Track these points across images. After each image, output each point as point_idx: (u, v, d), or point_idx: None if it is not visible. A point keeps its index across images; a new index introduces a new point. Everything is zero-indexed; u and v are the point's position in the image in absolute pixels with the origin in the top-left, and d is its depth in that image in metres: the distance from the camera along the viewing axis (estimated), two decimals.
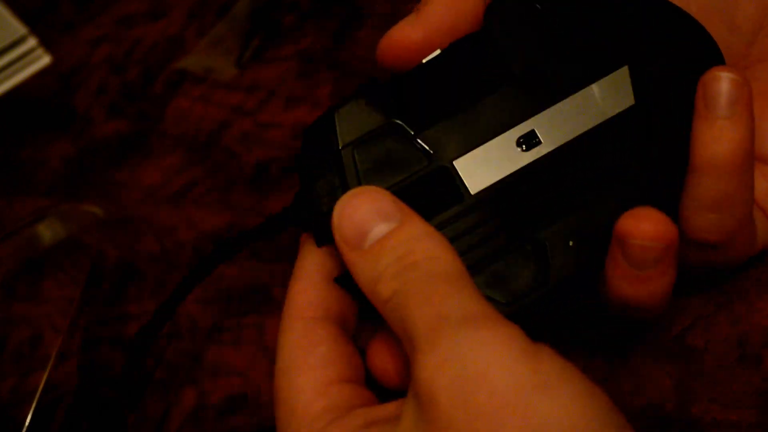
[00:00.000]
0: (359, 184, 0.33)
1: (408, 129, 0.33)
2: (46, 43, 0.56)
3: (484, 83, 0.33)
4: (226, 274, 0.46)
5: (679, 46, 0.34)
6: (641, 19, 0.34)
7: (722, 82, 0.32)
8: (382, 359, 0.33)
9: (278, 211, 0.34)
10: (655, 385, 0.36)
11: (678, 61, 0.33)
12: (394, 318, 0.30)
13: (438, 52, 0.34)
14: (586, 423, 0.26)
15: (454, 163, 0.33)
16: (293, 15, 0.55)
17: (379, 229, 0.31)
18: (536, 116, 0.33)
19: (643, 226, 0.30)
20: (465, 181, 0.33)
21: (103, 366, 0.44)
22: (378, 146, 0.33)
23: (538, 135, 0.33)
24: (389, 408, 0.31)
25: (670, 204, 0.33)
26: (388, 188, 0.32)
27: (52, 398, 0.43)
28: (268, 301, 0.44)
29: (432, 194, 0.33)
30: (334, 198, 0.32)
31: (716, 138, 0.31)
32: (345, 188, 0.32)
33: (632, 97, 0.33)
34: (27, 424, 0.42)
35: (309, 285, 0.34)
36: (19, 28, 0.55)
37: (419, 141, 0.33)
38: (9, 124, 0.55)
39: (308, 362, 0.32)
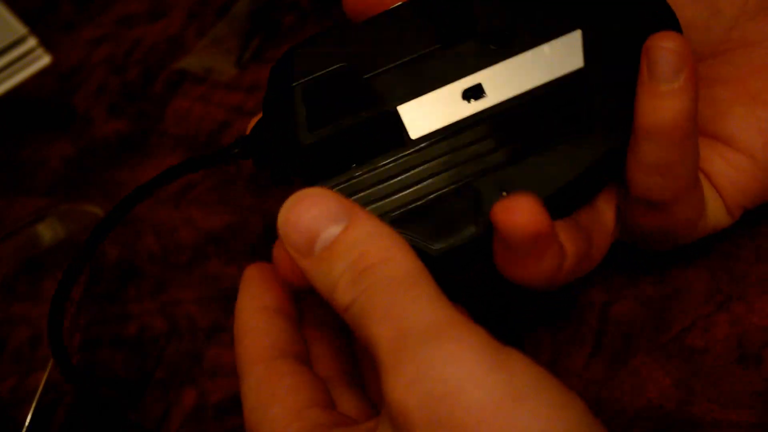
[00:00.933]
0: (305, 122, 0.34)
1: (359, 73, 0.34)
2: (46, 43, 0.56)
3: (439, 35, 0.34)
4: (226, 274, 0.46)
5: (635, 12, 0.34)
6: None
7: (666, 50, 0.31)
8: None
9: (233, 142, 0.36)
10: (655, 385, 0.36)
11: (632, 27, 0.34)
12: (356, 328, 0.29)
13: (401, 2, 0.35)
14: (575, 429, 0.26)
15: (398, 108, 0.34)
16: (293, 15, 0.55)
17: (329, 233, 0.30)
18: (484, 70, 0.34)
19: (514, 216, 0.30)
20: (407, 126, 0.33)
21: (103, 366, 0.44)
22: (328, 87, 0.34)
23: (484, 88, 0.34)
24: (368, 425, 0.30)
25: (607, 163, 0.33)
26: (332, 128, 0.34)
27: (52, 398, 0.43)
28: None
29: (374, 137, 0.34)
30: (285, 135, 0.34)
31: (658, 107, 0.31)
32: (293, 126, 0.34)
33: (582, 59, 0.33)
34: (27, 424, 0.42)
35: (258, 329, 0.33)
36: (19, 28, 0.55)
37: (368, 85, 0.34)
38: (9, 124, 0.55)
39: (276, 394, 0.31)
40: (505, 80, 0.33)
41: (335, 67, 0.34)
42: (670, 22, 0.34)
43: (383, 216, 0.33)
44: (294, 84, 0.34)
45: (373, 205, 0.33)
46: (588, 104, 0.33)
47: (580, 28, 0.34)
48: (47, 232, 0.49)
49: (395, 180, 0.33)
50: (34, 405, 0.42)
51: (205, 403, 0.42)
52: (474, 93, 0.34)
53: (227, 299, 0.45)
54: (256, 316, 0.34)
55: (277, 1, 0.56)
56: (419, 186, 0.33)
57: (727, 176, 0.35)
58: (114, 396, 0.43)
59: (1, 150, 0.54)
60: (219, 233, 0.48)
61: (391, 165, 0.33)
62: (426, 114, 0.34)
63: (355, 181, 0.33)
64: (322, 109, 0.34)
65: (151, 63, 0.56)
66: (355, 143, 0.33)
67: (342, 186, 0.33)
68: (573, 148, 0.33)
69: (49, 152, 0.53)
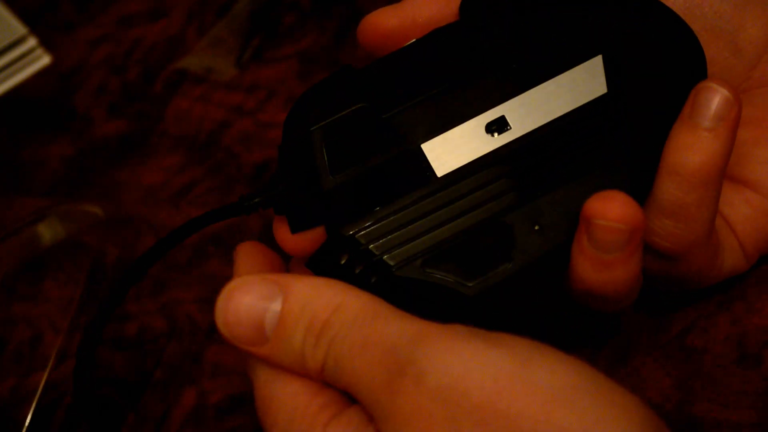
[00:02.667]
0: (327, 165, 0.32)
1: (378, 112, 0.33)
2: (46, 43, 0.56)
3: (457, 70, 0.33)
4: (226, 274, 0.46)
5: (657, 38, 0.34)
6: (619, 9, 0.34)
7: (715, 95, 0.32)
8: None
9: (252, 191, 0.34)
10: (655, 385, 0.36)
11: (654, 54, 0.33)
12: (339, 380, 0.29)
13: (413, 40, 0.34)
14: (588, 380, 0.26)
15: (422, 146, 0.33)
16: (293, 15, 0.55)
17: (271, 312, 0.30)
18: (507, 102, 0.33)
19: (610, 206, 0.30)
20: (432, 164, 0.33)
21: (103, 366, 0.44)
22: (348, 129, 0.33)
23: (508, 121, 0.33)
24: None
25: (636, 198, 0.33)
26: (354, 171, 0.32)
27: (52, 398, 0.43)
28: None
29: (399, 177, 0.33)
30: (306, 181, 0.33)
31: (691, 146, 0.32)
32: (314, 171, 0.32)
33: (605, 85, 0.33)
34: (27, 424, 0.42)
35: None
36: (19, 28, 0.55)
37: (389, 124, 0.33)
38: (9, 124, 0.55)
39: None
40: (529, 111, 0.33)
41: (354, 107, 0.33)
42: (692, 46, 0.34)
43: (413, 258, 0.32)
44: (312, 128, 0.33)
45: (402, 248, 0.32)
46: (614, 131, 0.33)
47: (601, 54, 0.33)
48: (47, 232, 0.49)
49: (423, 220, 0.32)
50: (34, 405, 0.42)
51: (205, 403, 0.42)
52: (498, 126, 0.33)
53: None
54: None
55: (277, 1, 0.56)
56: (449, 225, 0.32)
57: (750, 221, 0.35)
58: (114, 396, 0.43)
59: (1, 150, 0.54)
60: (219, 233, 0.48)
61: (418, 205, 0.32)
62: (451, 150, 0.33)
63: (381, 224, 0.32)
64: (344, 151, 0.33)
65: (151, 63, 0.56)
66: (380, 184, 0.32)
67: (368, 230, 0.32)
68: (602, 179, 0.32)
69: (49, 152, 0.53)
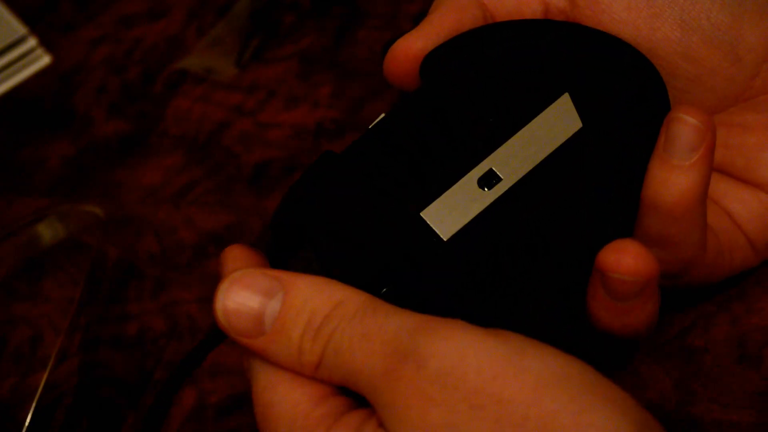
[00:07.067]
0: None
1: (371, 191, 0.33)
2: (46, 43, 0.56)
3: (433, 134, 0.33)
4: None
5: (616, 70, 0.34)
6: (576, 47, 0.35)
7: (685, 126, 0.31)
8: None
9: None
10: (655, 385, 0.36)
11: (617, 85, 0.34)
12: (336, 375, 0.29)
13: (382, 115, 0.34)
14: (579, 372, 0.27)
15: (421, 214, 0.32)
16: (293, 15, 0.55)
17: (272, 307, 0.30)
18: (491, 155, 0.33)
19: (624, 259, 0.30)
20: (436, 230, 0.32)
21: (103, 366, 0.44)
22: (351, 213, 0.33)
23: (497, 172, 0.33)
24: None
25: (625, 229, 0.33)
26: (363, 250, 0.32)
27: (52, 398, 0.43)
28: None
29: (406, 248, 0.32)
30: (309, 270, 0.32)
31: (667, 181, 0.31)
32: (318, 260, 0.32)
33: (579, 120, 0.33)
34: (27, 424, 0.42)
35: None
36: (19, 28, 0.55)
37: (384, 199, 0.33)
38: (9, 124, 0.55)
39: (296, 379, 0.31)
40: (515, 159, 0.33)
41: (345, 192, 0.33)
42: (649, 71, 0.34)
43: None
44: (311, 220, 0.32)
45: None
46: (597, 163, 0.33)
47: (567, 91, 0.33)
48: (47, 232, 0.49)
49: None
50: (34, 405, 0.42)
51: (205, 403, 0.42)
52: (489, 179, 0.33)
53: None
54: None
55: (277, 1, 0.56)
56: (467, 284, 0.32)
57: (762, 219, 0.35)
58: (114, 396, 0.43)
59: (1, 150, 0.54)
60: (219, 233, 0.48)
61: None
62: (450, 212, 0.32)
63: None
64: (350, 236, 0.32)
65: (151, 63, 0.56)
66: (389, 260, 0.32)
67: None
68: (596, 211, 0.33)
69: (48, 152, 0.53)
